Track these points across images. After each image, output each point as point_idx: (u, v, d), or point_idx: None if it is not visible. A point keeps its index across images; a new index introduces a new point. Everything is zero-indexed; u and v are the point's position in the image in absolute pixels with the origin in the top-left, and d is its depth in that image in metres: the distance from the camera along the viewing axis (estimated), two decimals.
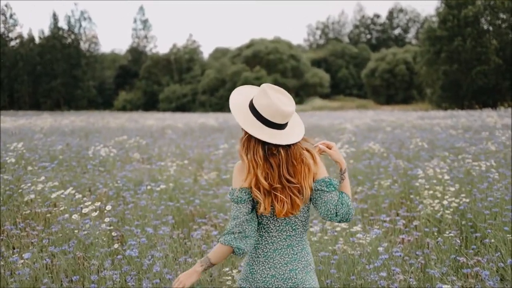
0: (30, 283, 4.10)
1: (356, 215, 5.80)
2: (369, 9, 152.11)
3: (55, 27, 64.58)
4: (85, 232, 4.77)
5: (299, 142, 2.54)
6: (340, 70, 69.28)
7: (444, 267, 4.40)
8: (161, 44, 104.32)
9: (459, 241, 4.94)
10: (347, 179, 2.65)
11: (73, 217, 4.70)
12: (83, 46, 66.50)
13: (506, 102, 40.78)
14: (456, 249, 4.94)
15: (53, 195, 5.60)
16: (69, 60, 63.14)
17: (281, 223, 2.56)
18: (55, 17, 65.13)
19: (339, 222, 2.57)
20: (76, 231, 4.87)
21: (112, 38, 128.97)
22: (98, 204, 4.95)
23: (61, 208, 5.43)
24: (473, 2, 44.31)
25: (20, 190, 6.77)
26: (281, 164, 2.49)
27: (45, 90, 62.41)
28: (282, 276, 2.54)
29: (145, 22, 71.19)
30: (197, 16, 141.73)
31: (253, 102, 2.53)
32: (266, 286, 2.54)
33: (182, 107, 56.37)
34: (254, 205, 2.54)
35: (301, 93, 60.75)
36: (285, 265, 2.55)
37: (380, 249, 4.40)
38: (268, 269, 2.55)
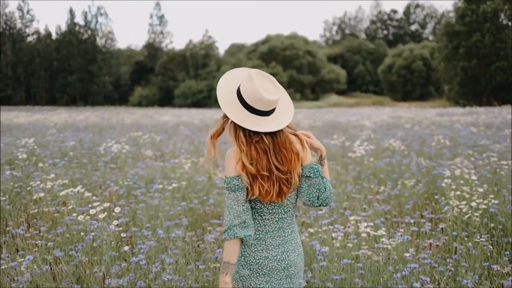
0: None
1: (379, 217, 5.48)
2: (386, 4, 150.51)
3: (72, 23, 64.91)
4: (93, 234, 4.51)
5: (285, 129, 2.51)
6: (357, 66, 68.76)
7: (476, 275, 4.08)
8: (177, 40, 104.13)
9: (491, 247, 4.61)
10: (326, 164, 2.67)
11: (79, 218, 4.43)
12: (100, 41, 66.66)
13: None
14: (488, 256, 4.61)
15: (62, 193, 5.37)
16: (86, 55, 63.36)
17: (274, 206, 2.56)
18: (71, 13, 65.53)
19: (319, 206, 2.59)
20: (82, 233, 4.60)
21: (128, 34, 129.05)
22: (107, 204, 4.70)
23: (70, 207, 5.19)
24: None
25: (28, 188, 6.55)
26: (269, 151, 2.47)
27: (62, 86, 62.79)
28: (275, 257, 2.55)
29: (161, 18, 71.08)
30: (213, 12, 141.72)
31: (240, 87, 2.51)
32: (260, 267, 2.55)
33: (198, 103, 56.14)
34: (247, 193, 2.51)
35: (317, 90, 60.41)
36: (277, 246, 2.56)
37: (407, 255, 4.09)
38: (260, 251, 2.55)
